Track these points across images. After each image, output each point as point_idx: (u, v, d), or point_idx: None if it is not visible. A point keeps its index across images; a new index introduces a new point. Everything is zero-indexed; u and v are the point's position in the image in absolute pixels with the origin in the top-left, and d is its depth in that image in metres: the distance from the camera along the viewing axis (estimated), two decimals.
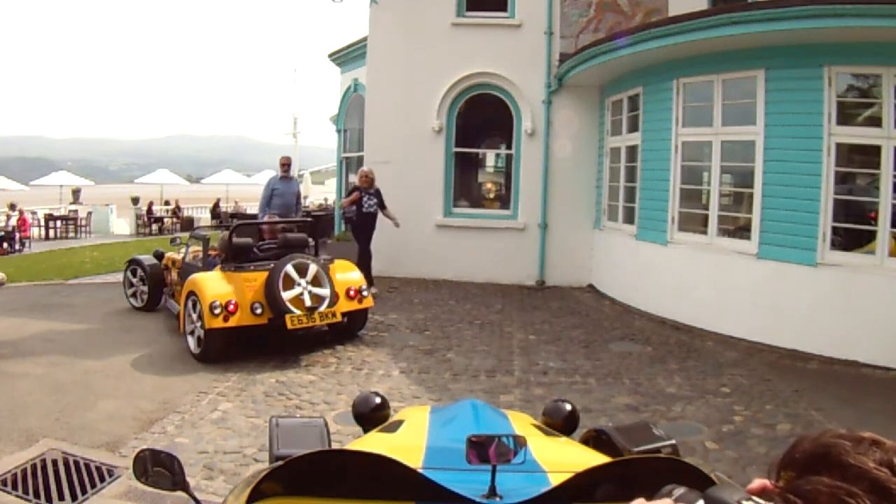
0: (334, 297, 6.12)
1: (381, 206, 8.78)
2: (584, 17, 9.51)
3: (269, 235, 7.07)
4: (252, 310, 5.83)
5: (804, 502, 0.65)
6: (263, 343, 6.07)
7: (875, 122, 5.82)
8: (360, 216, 8.57)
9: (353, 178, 13.11)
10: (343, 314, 6.18)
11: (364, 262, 8.48)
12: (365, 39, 10.73)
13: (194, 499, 1.47)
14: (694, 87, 7.27)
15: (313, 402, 4.87)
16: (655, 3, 9.27)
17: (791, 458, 0.71)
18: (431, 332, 6.97)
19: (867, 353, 5.68)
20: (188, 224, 20.94)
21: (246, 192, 32.48)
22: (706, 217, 7.11)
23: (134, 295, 8.04)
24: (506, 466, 1.17)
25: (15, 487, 3.48)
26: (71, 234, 19.49)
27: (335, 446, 2.07)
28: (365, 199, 8.56)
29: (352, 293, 6.43)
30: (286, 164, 9.45)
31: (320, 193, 29.30)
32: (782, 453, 0.73)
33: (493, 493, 1.17)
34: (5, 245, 15.75)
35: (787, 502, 0.66)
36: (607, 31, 9.13)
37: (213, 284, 5.87)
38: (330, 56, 13.47)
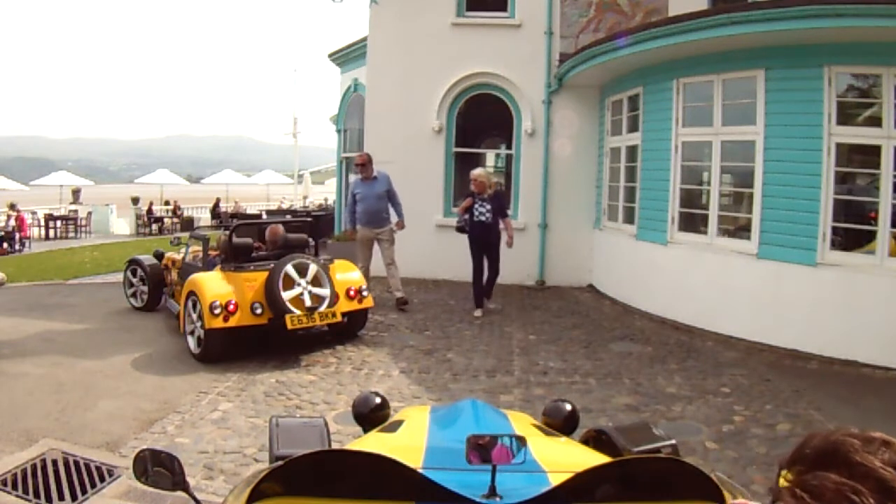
0: (334, 298, 6.11)
1: (501, 214, 7.66)
2: (584, 17, 9.51)
3: (271, 245, 6.85)
4: (252, 310, 5.83)
5: (810, 497, 0.67)
6: (263, 343, 6.06)
7: (875, 122, 5.81)
8: (472, 226, 7.59)
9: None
10: (343, 314, 6.18)
11: (475, 279, 7.74)
12: (365, 39, 10.73)
13: (194, 499, 1.48)
14: (694, 87, 7.27)
15: (313, 402, 4.87)
16: (655, 3, 9.27)
17: (801, 453, 0.73)
18: (431, 332, 6.97)
19: (867, 353, 5.68)
20: (188, 224, 20.95)
21: (246, 192, 32.53)
22: (706, 217, 7.11)
23: (134, 295, 8.05)
24: (506, 466, 1.17)
25: (15, 487, 3.48)
26: (71, 234, 19.50)
27: (335, 446, 2.07)
28: (476, 205, 7.52)
29: (352, 293, 6.43)
30: (360, 164, 7.93)
31: (320, 193, 29.34)
32: (794, 448, 0.74)
33: (493, 493, 1.17)
34: (5, 245, 15.75)
35: (794, 496, 0.69)
36: (607, 31, 9.13)
37: (213, 284, 5.87)
38: (330, 56, 13.47)
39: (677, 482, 1.25)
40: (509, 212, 8.24)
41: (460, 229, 7.69)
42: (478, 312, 7.72)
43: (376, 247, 8.02)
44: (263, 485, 1.19)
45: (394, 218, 8.02)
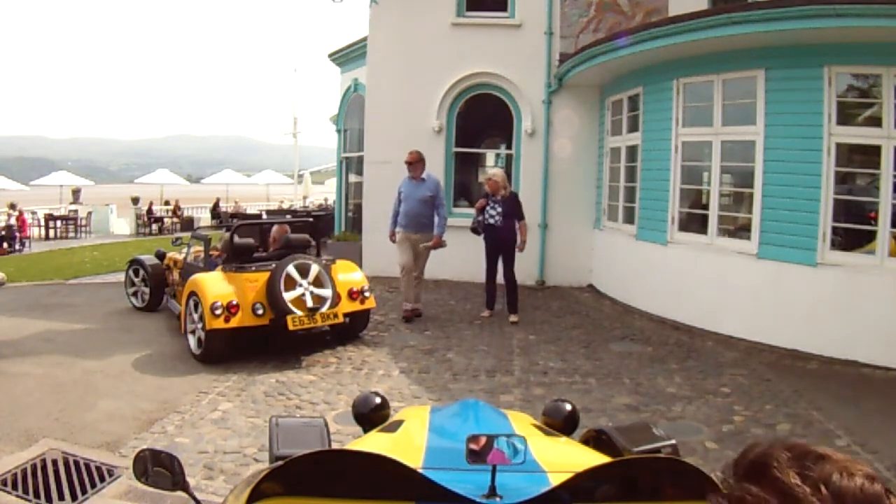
0: (336, 298, 6.11)
1: (515, 216, 7.26)
2: (584, 17, 9.51)
3: (274, 245, 6.83)
4: (253, 310, 5.82)
5: (728, 502, 0.71)
6: (264, 343, 6.06)
7: (875, 122, 5.81)
8: (483, 228, 7.34)
9: (353, 178, 13.15)
10: (345, 315, 6.17)
11: (487, 280, 7.50)
12: (365, 39, 10.74)
13: (194, 499, 1.48)
14: (694, 87, 7.27)
15: (313, 402, 4.87)
16: (655, 3, 9.27)
17: (737, 463, 0.75)
18: (431, 332, 6.97)
19: (867, 353, 5.68)
20: (188, 224, 20.95)
21: (246, 192, 32.54)
22: (706, 217, 7.11)
23: (135, 295, 8.05)
24: (506, 466, 1.17)
25: (15, 487, 3.48)
26: (71, 234, 19.50)
27: (335, 446, 2.07)
28: (488, 206, 7.25)
29: (353, 294, 6.42)
30: (408, 161, 7.38)
31: (320, 193, 29.33)
32: (736, 456, 0.77)
33: (493, 493, 1.17)
34: (5, 245, 15.76)
35: (717, 501, 0.73)
36: (607, 31, 9.13)
37: (215, 285, 5.86)
38: (330, 56, 13.48)
39: (677, 482, 1.25)
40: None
41: (473, 230, 7.44)
42: (485, 312, 7.61)
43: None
44: (263, 485, 1.19)
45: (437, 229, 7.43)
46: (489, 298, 7.67)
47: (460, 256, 9.59)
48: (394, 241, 7.59)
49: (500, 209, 7.19)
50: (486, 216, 7.25)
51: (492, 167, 7.43)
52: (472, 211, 7.69)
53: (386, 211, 8.42)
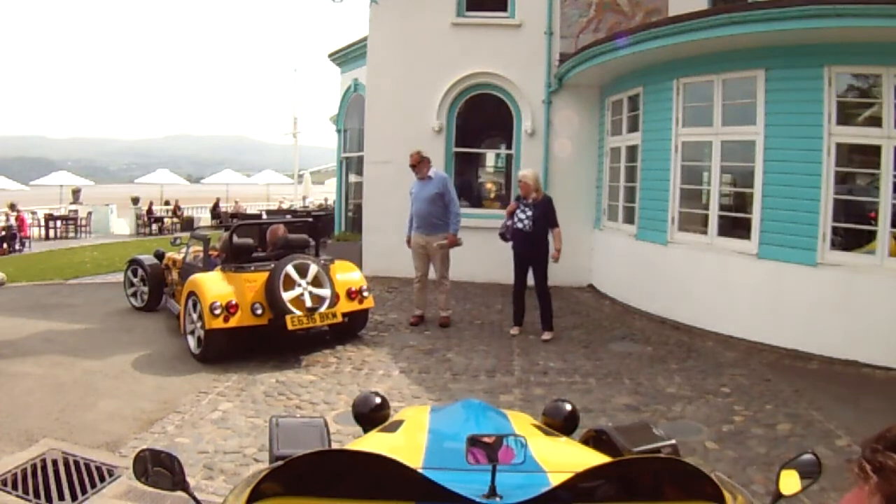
0: (335, 298, 6.11)
1: (549, 223, 6.68)
2: (584, 17, 9.52)
3: (271, 246, 6.78)
4: (252, 310, 5.82)
5: (872, 469, 0.79)
6: (264, 343, 6.06)
7: (875, 122, 5.81)
8: (512, 233, 6.72)
9: (353, 178, 13.15)
10: (343, 314, 6.17)
11: (514, 293, 6.90)
12: (365, 39, 10.74)
13: (194, 499, 1.48)
14: (694, 87, 7.27)
15: (313, 402, 4.87)
16: (655, 3, 9.27)
17: (884, 435, 0.83)
18: (431, 332, 6.96)
19: (867, 353, 5.68)
20: (188, 224, 20.96)
21: (246, 192, 32.54)
22: (706, 217, 7.11)
23: (134, 295, 8.05)
24: (506, 466, 1.17)
25: (15, 487, 3.48)
26: (71, 234, 19.51)
27: (335, 446, 2.07)
28: (518, 210, 6.66)
29: (352, 293, 6.43)
30: (413, 164, 7.10)
31: (320, 193, 29.34)
32: (881, 430, 0.85)
33: (493, 493, 1.17)
34: (5, 245, 15.76)
35: (860, 468, 0.81)
36: (607, 31, 9.14)
37: (214, 285, 5.86)
38: (330, 56, 13.48)
39: (677, 482, 1.25)
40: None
41: (502, 235, 6.83)
42: (514, 330, 6.88)
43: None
44: (263, 485, 1.19)
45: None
46: (517, 313, 6.94)
47: (460, 256, 9.60)
48: (410, 247, 7.35)
49: (530, 213, 6.59)
50: (516, 220, 6.67)
51: (521, 170, 6.88)
52: (472, 211, 7.53)
53: (386, 211, 8.43)
